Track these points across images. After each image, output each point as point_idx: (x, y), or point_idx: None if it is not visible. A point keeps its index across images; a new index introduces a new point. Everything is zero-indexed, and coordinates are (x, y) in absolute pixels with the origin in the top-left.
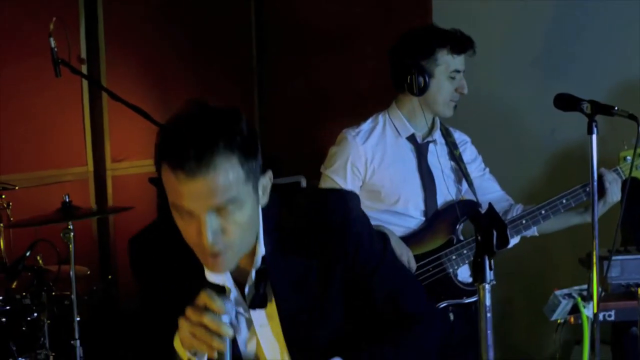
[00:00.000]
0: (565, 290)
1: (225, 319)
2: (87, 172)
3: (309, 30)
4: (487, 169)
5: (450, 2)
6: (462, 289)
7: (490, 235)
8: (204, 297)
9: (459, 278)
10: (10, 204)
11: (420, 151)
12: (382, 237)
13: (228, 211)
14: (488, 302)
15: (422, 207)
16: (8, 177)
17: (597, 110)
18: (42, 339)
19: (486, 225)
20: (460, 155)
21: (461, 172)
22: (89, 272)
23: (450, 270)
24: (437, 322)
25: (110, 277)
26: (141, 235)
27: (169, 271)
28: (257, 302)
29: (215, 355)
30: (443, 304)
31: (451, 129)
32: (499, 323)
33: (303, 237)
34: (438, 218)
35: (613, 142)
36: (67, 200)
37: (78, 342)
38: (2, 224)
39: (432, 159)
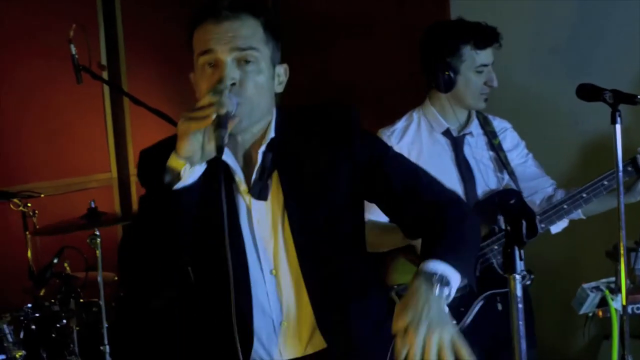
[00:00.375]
0: (593, 283)
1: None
2: (112, 179)
3: (324, 27)
4: (530, 155)
5: None
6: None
7: (519, 225)
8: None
9: None
10: (36, 212)
11: (457, 145)
12: None
13: (248, 63)
14: (519, 292)
15: None
16: (33, 185)
17: (620, 99)
18: (71, 345)
19: (515, 216)
20: (499, 144)
21: (501, 161)
22: (116, 278)
23: (494, 260)
24: (460, 205)
25: None
26: (151, 147)
27: None
28: (259, 190)
29: (215, 117)
30: (489, 293)
31: (490, 117)
32: None
33: (311, 129)
34: (479, 209)
35: (637, 132)
36: (93, 206)
37: (107, 347)
38: (28, 232)
39: (468, 152)
